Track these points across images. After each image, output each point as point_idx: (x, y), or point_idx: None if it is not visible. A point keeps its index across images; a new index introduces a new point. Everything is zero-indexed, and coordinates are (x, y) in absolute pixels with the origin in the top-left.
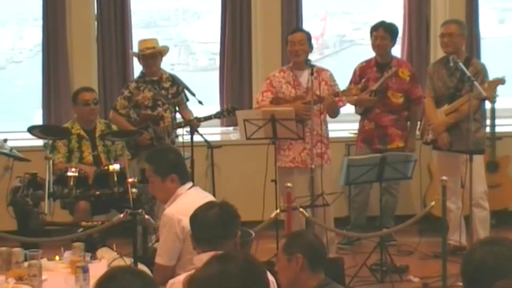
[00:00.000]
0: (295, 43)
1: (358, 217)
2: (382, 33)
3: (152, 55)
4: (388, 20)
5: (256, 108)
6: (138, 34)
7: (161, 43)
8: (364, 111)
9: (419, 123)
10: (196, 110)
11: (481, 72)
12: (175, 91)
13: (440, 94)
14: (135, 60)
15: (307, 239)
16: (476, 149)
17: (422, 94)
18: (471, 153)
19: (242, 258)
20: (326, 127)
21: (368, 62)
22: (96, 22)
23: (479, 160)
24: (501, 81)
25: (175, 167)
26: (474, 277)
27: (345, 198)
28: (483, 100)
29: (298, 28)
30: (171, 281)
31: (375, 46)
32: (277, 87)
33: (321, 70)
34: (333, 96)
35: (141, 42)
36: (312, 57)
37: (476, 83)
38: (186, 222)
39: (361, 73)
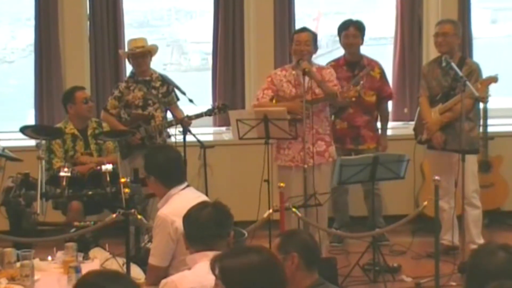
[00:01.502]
0: (301, 43)
1: (343, 216)
2: (354, 31)
3: (142, 54)
4: (355, 19)
5: (255, 105)
6: (131, 34)
7: (154, 43)
8: (337, 111)
9: (414, 122)
10: (189, 109)
11: (475, 71)
12: (166, 91)
13: (435, 93)
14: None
15: (302, 238)
16: (470, 149)
17: (392, 91)
18: (464, 152)
19: (268, 250)
20: (330, 123)
21: (336, 61)
22: (88, 22)
23: (472, 159)
24: (494, 79)
25: (156, 169)
26: (481, 279)
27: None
28: (476, 99)
29: (304, 27)
30: (163, 281)
31: (347, 45)
32: (277, 85)
33: (321, 68)
34: (316, 72)
35: (131, 41)
36: None
37: (468, 83)
38: (179, 223)
39: None
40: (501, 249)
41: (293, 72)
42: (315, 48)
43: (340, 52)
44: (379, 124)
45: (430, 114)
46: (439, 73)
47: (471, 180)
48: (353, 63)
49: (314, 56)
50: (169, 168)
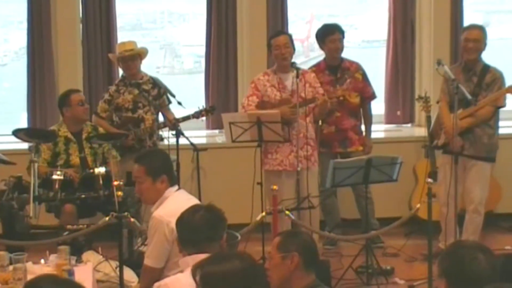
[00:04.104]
0: (281, 47)
1: (334, 218)
2: (339, 35)
3: (132, 56)
4: (333, 22)
5: (242, 112)
6: (124, 36)
7: (147, 46)
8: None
9: (431, 127)
10: (182, 112)
11: (498, 79)
12: (157, 93)
13: (454, 97)
14: None
15: (303, 239)
16: (488, 156)
17: (374, 92)
18: (458, 155)
19: (247, 256)
20: (314, 129)
21: (317, 66)
22: (81, 25)
23: (487, 166)
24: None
25: (166, 168)
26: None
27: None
28: (498, 107)
29: (280, 31)
30: (156, 284)
31: (334, 50)
32: (262, 90)
33: (305, 72)
34: (325, 97)
35: (120, 45)
36: (298, 59)
37: (461, 86)
38: (174, 224)
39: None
40: (479, 251)
41: (276, 76)
42: (293, 49)
43: None
44: (363, 127)
45: (449, 119)
46: (461, 78)
47: (483, 186)
48: (335, 67)
49: (306, 58)
50: (172, 167)
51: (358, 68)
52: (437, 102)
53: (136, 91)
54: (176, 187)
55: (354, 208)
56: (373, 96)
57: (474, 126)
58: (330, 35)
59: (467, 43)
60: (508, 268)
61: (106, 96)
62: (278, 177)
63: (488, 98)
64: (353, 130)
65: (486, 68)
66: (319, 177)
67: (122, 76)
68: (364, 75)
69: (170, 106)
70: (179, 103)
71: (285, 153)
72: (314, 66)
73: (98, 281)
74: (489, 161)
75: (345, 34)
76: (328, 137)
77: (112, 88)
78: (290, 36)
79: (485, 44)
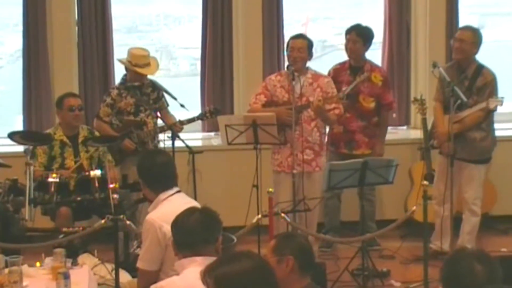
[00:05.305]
0: (294, 50)
1: (332, 220)
2: (355, 36)
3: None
4: (364, 24)
5: (249, 110)
6: (120, 39)
7: (148, 50)
8: None
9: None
10: (179, 115)
11: (490, 84)
12: (156, 96)
13: (448, 99)
14: (117, 66)
15: (299, 242)
16: (480, 158)
17: (394, 99)
18: (452, 158)
19: (254, 254)
20: (321, 134)
21: (342, 64)
22: (77, 28)
23: (481, 168)
24: (499, 102)
25: (142, 173)
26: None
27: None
28: (490, 111)
29: (301, 34)
30: (152, 286)
31: (347, 49)
32: (271, 90)
33: (319, 76)
34: (320, 102)
35: (137, 56)
36: None
37: (457, 88)
38: (167, 229)
39: (335, 75)
40: (476, 261)
41: (288, 77)
42: (309, 55)
43: (329, 56)
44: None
45: (441, 122)
46: (454, 80)
47: (476, 187)
48: (356, 68)
49: None
50: (155, 173)
51: (378, 73)
52: (394, 104)
53: (137, 95)
54: (173, 190)
55: (354, 210)
56: (391, 105)
57: (464, 130)
58: (347, 34)
59: (454, 42)
60: (504, 270)
61: (108, 100)
62: (278, 177)
63: (474, 108)
64: (362, 132)
65: (479, 70)
66: None
67: (122, 79)
68: (384, 81)
69: (171, 109)
70: (182, 106)
71: (285, 155)
72: (339, 64)
73: None
74: (482, 163)
75: (343, 37)
76: (336, 136)
77: (114, 91)
78: (309, 42)
79: (477, 47)
